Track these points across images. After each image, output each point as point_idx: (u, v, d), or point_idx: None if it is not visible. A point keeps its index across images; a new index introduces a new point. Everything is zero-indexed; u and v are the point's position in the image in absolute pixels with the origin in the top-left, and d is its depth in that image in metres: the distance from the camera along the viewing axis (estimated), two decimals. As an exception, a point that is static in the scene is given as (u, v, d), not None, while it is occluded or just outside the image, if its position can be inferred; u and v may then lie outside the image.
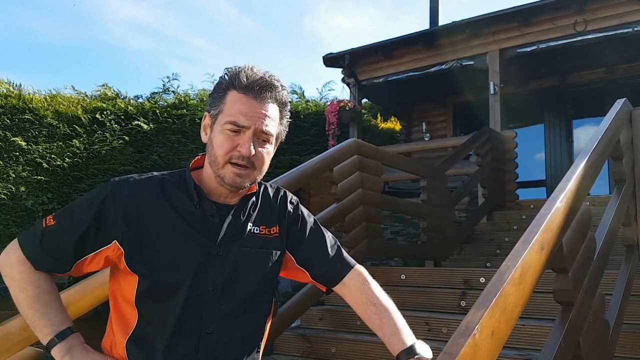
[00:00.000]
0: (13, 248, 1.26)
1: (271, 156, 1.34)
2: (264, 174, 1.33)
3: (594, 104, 8.47)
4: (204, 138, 1.33)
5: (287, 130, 1.38)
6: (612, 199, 2.87)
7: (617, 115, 2.92)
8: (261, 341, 1.36)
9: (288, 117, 1.37)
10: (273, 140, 1.31)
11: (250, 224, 1.34)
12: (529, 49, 7.32)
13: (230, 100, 1.26)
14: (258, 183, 1.39)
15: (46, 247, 1.23)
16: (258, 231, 1.35)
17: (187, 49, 39.03)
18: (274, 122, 1.30)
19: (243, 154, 1.24)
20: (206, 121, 1.32)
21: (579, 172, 2.22)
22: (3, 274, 1.26)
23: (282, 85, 1.31)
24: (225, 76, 1.29)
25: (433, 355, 1.26)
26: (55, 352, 1.21)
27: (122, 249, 1.23)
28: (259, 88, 1.26)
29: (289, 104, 1.35)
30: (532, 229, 1.77)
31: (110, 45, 36.25)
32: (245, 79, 1.26)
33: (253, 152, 1.25)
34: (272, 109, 1.29)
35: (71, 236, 1.22)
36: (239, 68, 1.29)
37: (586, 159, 2.35)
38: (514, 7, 7.23)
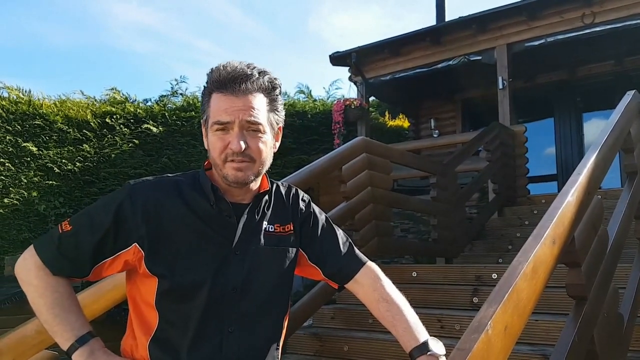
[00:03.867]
0: (30, 254, 1.25)
1: (270, 145, 1.30)
2: (267, 164, 1.31)
3: (604, 96, 8.40)
4: (205, 144, 1.33)
5: (282, 113, 1.34)
6: (623, 192, 2.85)
7: (628, 107, 2.90)
8: (280, 338, 1.37)
9: (281, 101, 1.33)
10: (265, 129, 1.28)
11: (265, 223, 1.34)
12: (537, 43, 7.27)
13: (212, 103, 1.25)
14: (270, 182, 1.39)
15: (64, 252, 1.22)
16: (273, 229, 1.35)
17: (192, 51, 39.14)
18: (259, 111, 1.25)
19: (234, 150, 1.23)
20: (203, 129, 1.32)
21: (590, 165, 2.21)
22: (20, 280, 1.26)
23: (260, 72, 1.26)
24: (207, 81, 1.28)
25: (446, 352, 1.25)
26: (76, 357, 1.19)
27: (142, 251, 1.22)
28: (233, 81, 1.23)
29: (277, 88, 1.30)
30: (544, 224, 1.76)
31: (116, 49, 36.42)
32: (219, 77, 1.24)
33: (244, 146, 1.23)
34: (255, 99, 1.25)
35: (90, 241, 1.21)
36: (213, 68, 1.27)
37: (597, 152, 2.33)
38: (521, 0, 7.19)
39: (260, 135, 1.26)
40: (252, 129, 1.25)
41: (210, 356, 1.23)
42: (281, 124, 1.36)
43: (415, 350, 1.24)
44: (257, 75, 1.25)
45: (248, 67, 1.25)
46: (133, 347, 1.28)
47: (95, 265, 1.24)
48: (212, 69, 1.27)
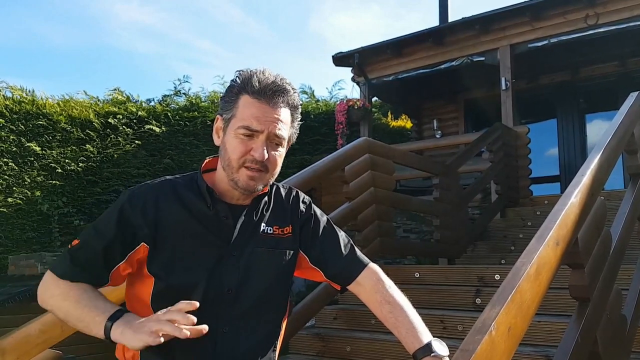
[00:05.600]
0: (47, 276, 1.26)
1: (283, 158, 1.34)
2: (276, 176, 1.34)
3: (607, 97, 8.39)
4: (217, 141, 1.34)
5: (297, 132, 1.39)
6: (627, 193, 2.84)
7: (631, 108, 2.89)
8: (277, 340, 1.37)
9: (299, 119, 1.37)
10: (285, 143, 1.33)
11: (263, 225, 1.35)
12: (540, 44, 7.26)
13: (242, 105, 1.27)
14: (270, 184, 1.40)
15: (77, 264, 1.23)
16: (271, 231, 1.36)
17: (193, 51, 39.08)
18: (286, 126, 1.30)
19: (256, 158, 1.25)
20: (218, 124, 1.33)
21: (593, 166, 2.21)
22: (44, 302, 1.25)
23: (293, 89, 1.31)
24: (237, 80, 1.29)
25: (449, 353, 1.25)
26: (114, 334, 1.13)
27: (149, 248, 1.25)
28: (272, 93, 1.26)
29: (300, 106, 1.36)
30: (547, 225, 1.76)
31: (117, 49, 36.45)
32: (257, 84, 1.26)
33: (266, 156, 1.26)
34: (284, 113, 1.29)
35: (97, 248, 1.23)
36: (250, 72, 1.29)
37: (600, 153, 2.33)
38: (525, 1, 7.18)
39: (279, 148, 1.31)
40: (275, 141, 1.29)
41: (203, 356, 1.24)
42: (293, 140, 1.39)
43: (419, 352, 1.23)
44: (291, 92, 1.30)
45: (284, 81, 1.29)
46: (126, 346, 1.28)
47: (111, 270, 1.25)
48: (249, 72, 1.28)
